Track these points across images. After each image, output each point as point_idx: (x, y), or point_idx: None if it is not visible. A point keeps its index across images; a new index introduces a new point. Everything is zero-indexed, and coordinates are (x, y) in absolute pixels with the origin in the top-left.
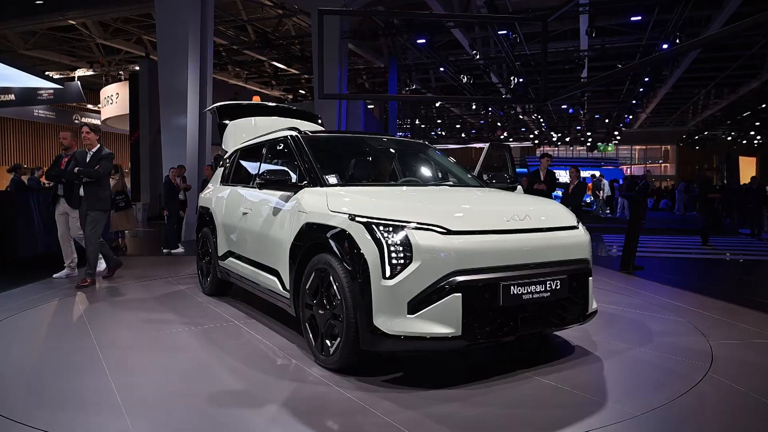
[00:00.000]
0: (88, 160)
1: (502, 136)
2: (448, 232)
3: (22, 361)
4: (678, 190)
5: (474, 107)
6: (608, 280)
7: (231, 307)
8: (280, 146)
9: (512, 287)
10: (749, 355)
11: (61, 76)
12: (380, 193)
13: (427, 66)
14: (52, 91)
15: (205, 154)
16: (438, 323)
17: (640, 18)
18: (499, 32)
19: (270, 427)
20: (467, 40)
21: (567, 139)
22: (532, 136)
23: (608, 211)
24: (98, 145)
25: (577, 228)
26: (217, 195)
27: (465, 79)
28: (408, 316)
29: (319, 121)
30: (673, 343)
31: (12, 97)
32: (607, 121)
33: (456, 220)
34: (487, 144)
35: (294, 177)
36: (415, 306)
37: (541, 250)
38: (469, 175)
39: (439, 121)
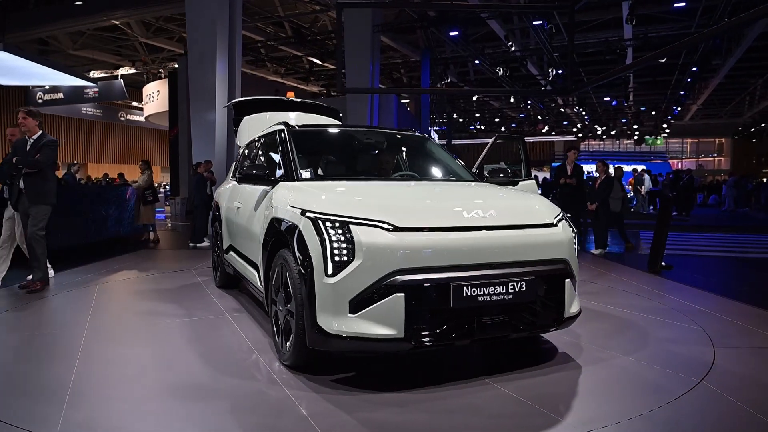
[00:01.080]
0: (27, 148)
1: (543, 129)
2: (395, 228)
3: (4, 348)
4: (727, 185)
5: (512, 100)
6: (630, 280)
7: (234, 299)
8: (272, 141)
9: (465, 288)
10: (755, 367)
11: (105, 75)
12: (345, 189)
13: (464, 59)
14: (97, 89)
15: (233, 149)
16: (380, 324)
17: (683, 4)
18: (534, 23)
19: (187, 421)
20: (503, 31)
21: (612, 133)
22: (575, 129)
23: (651, 208)
24: (39, 132)
25: (555, 225)
26: (223, 189)
27: (501, 72)
28: (349, 315)
29: (340, 115)
30: (671, 352)
31: (60, 95)
32: (654, 113)
33: (407, 217)
34: (494, 138)
35: (280, 172)
36: (356, 305)
37: (503, 249)
38: (464, 170)
39: (477, 115)
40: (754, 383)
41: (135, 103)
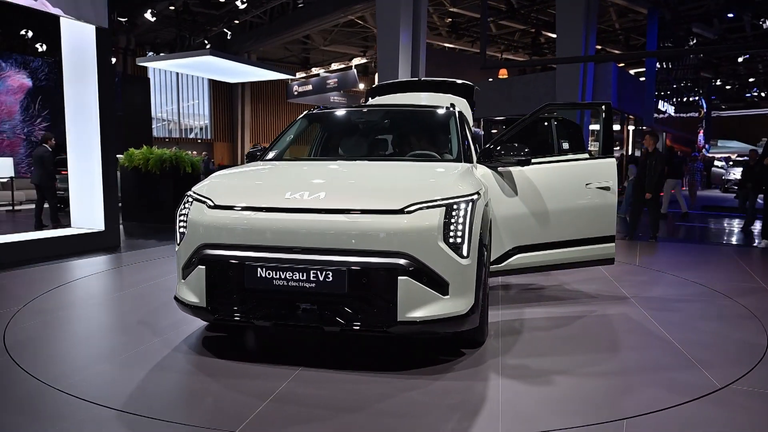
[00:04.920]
0: None
1: None
2: (213, 206)
3: None
4: None
5: None
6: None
7: None
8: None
9: (260, 270)
10: None
11: (342, 66)
12: (251, 170)
13: (709, 14)
14: (336, 80)
15: None
16: (192, 292)
17: None
18: None
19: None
20: None
21: None
22: None
23: None
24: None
25: (401, 213)
26: None
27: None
28: (182, 280)
29: (476, 89)
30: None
31: (309, 87)
32: None
33: (227, 195)
34: (532, 113)
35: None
36: (183, 273)
37: (314, 234)
38: (460, 151)
39: (751, 79)
40: None
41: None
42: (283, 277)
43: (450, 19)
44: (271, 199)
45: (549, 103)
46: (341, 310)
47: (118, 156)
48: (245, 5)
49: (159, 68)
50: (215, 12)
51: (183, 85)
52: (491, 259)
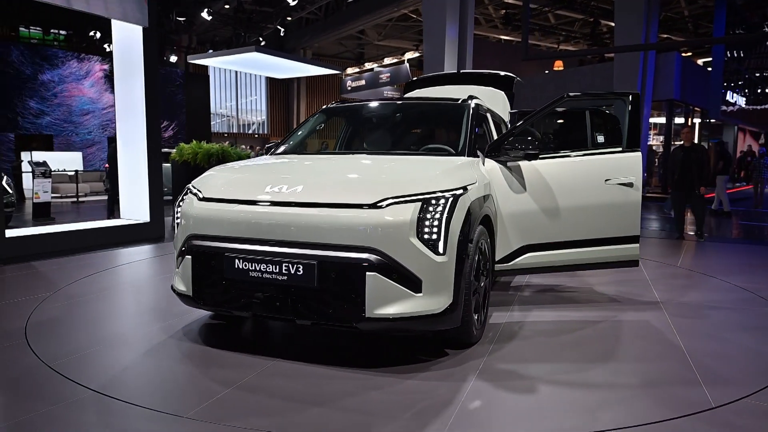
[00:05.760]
0: None
1: None
2: (201, 198)
3: None
4: None
5: None
6: None
7: None
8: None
9: (237, 261)
10: None
11: (395, 60)
12: (256, 164)
13: None
14: (389, 74)
15: None
16: (182, 281)
17: None
18: None
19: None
20: None
21: None
22: None
23: None
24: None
25: (373, 207)
26: None
27: None
28: (176, 270)
29: (517, 80)
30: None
31: (363, 82)
32: None
33: (214, 188)
34: (549, 103)
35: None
36: (176, 262)
37: (287, 228)
38: (466, 144)
39: None
40: None
41: None
42: (258, 268)
43: (504, 11)
44: (251, 192)
45: (566, 95)
46: (312, 303)
47: (169, 150)
48: (296, 2)
49: (210, 65)
50: (269, 9)
51: (241, 82)
52: (497, 258)
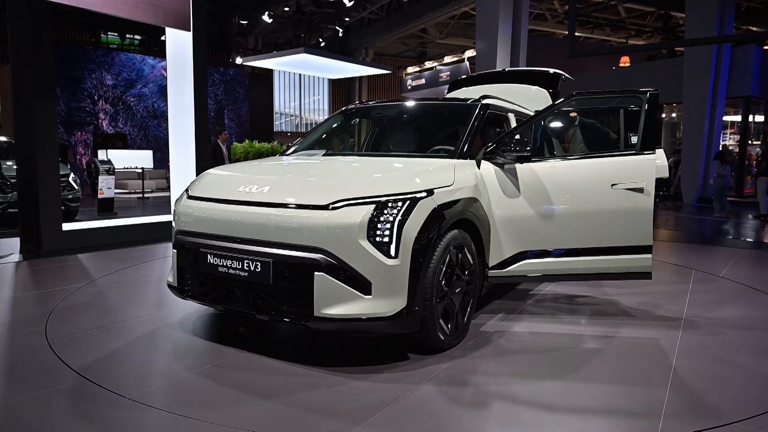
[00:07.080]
0: None
1: None
2: (188, 197)
3: None
4: None
5: None
6: None
7: None
8: None
9: (209, 256)
10: None
11: (455, 59)
12: (254, 163)
13: None
14: (448, 72)
15: None
16: (172, 273)
17: None
18: None
19: None
20: None
21: None
22: None
23: None
24: None
25: (325, 209)
26: None
27: None
28: (171, 264)
29: (563, 79)
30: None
31: (423, 81)
32: None
33: (200, 187)
34: (550, 105)
35: None
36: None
37: (250, 226)
38: (463, 144)
39: None
40: None
41: None
42: (224, 264)
43: (567, 6)
44: (226, 191)
45: (575, 93)
46: (270, 300)
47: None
48: (352, 2)
49: (267, 67)
50: (330, 11)
51: (305, 83)
52: (491, 264)
